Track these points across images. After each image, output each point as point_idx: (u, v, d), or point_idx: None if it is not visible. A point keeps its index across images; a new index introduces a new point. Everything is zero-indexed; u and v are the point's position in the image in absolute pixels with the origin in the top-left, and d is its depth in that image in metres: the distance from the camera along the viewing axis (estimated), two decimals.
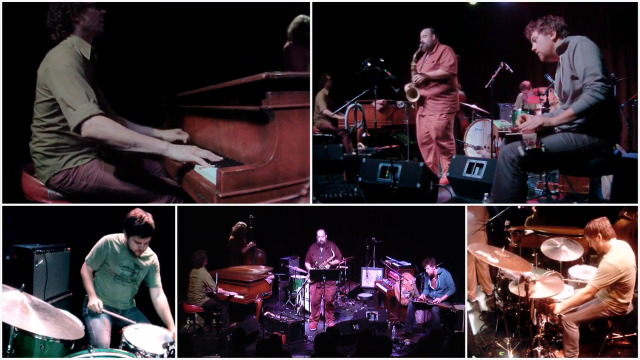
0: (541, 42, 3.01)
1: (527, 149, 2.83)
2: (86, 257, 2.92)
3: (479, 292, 3.96)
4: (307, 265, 4.53)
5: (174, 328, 2.91)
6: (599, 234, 2.76)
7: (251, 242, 4.87)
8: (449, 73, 4.75)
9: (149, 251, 3.00)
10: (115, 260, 2.90)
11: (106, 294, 2.92)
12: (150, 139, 2.86)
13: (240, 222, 4.83)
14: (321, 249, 4.51)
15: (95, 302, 2.80)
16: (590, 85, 2.73)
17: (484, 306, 3.81)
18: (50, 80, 2.65)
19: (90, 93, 2.61)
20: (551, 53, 3.02)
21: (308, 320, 4.32)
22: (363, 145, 5.42)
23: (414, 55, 4.91)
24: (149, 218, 2.81)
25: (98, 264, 2.91)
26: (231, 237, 4.86)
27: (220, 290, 4.10)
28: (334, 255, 4.52)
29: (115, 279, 2.93)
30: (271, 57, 4.61)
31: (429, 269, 4.17)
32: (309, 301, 4.43)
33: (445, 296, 4.06)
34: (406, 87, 4.89)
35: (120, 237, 2.93)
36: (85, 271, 2.90)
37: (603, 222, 2.78)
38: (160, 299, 3.02)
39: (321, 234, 4.54)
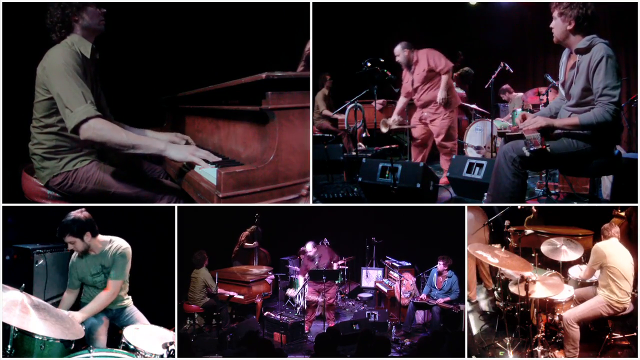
0: (557, 25, 2.81)
1: (531, 149, 2.76)
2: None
3: (478, 292, 3.96)
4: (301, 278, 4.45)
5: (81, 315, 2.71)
6: (602, 235, 2.93)
7: (255, 242, 4.88)
8: (448, 69, 4.72)
9: (116, 243, 2.87)
10: (84, 271, 2.85)
11: None
12: (149, 139, 2.85)
13: (254, 226, 4.86)
14: (316, 261, 4.39)
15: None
16: (603, 104, 2.66)
17: (484, 306, 3.81)
18: (47, 78, 2.64)
19: (87, 94, 2.60)
20: (565, 40, 2.84)
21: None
22: (363, 145, 5.42)
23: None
24: (68, 217, 2.71)
25: (74, 284, 2.88)
26: (244, 238, 4.90)
27: (220, 290, 4.10)
28: (331, 258, 4.46)
29: (96, 289, 2.87)
30: (272, 57, 4.61)
31: (440, 265, 4.13)
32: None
33: (447, 298, 4.05)
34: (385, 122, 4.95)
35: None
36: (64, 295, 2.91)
37: (608, 224, 2.97)
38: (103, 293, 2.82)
39: (309, 248, 4.38)
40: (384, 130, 4.97)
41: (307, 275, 4.31)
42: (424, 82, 4.80)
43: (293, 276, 4.78)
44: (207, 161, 2.75)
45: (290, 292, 4.63)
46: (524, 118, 2.96)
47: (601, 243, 2.92)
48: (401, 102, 5.14)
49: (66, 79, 2.58)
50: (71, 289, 2.90)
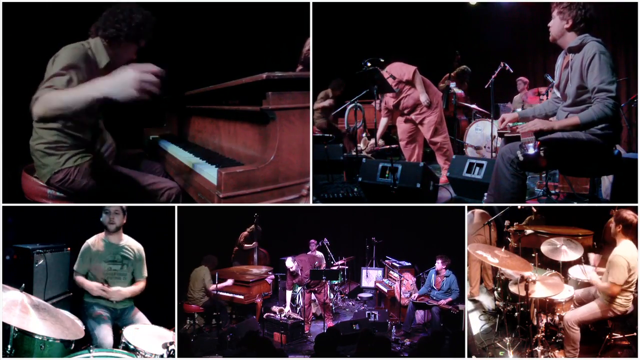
0: (555, 23, 2.82)
1: (525, 153, 2.68)
2: (74, 267, 2.98)
3: (481, 291, 3.96)
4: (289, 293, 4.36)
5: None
6: (621, 224, 2.78)
7: (254, 242, 4.88)
8: (412, 75, 4.80)
9: (132, 241, 3.07)
10: (100, 257, 2.94)
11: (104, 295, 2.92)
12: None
13: (253, 225, 4.85)
14: (299, 275, 4.26)
15: (94, 285, 2.88)
16: (602, 99, 2.63)
17: (488, 304, 3.81)
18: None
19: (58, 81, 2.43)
20: (561, 38, 2.84)
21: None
22: (363, 145, 5.45)
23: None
24: None
25: (85, 268, 2.95)
26: (243, 239, 4.89)
27: (221, 285, 4.08)
28: (313, 264, 4.38)
29: (108, 278, 2.93)
30: (272, 57, 4.62)
31: (438, 265, 4.12)
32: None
33: (449, 299, 4.04)
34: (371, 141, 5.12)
35: (100, 235, 3.00)
36: (79, 278, 2.95)
37: (634, 216, 2.79)
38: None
39: (289, 264, 4.22)
40: (363, 147, 5.08)
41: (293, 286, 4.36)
42: (397, 94, 4.93)
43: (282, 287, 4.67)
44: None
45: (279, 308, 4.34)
46: (502, 120, 2.99)
47: (624, 254, 2.70)
48: (382, 124, 5.28)
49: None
50: (80, 273, 2.96)
